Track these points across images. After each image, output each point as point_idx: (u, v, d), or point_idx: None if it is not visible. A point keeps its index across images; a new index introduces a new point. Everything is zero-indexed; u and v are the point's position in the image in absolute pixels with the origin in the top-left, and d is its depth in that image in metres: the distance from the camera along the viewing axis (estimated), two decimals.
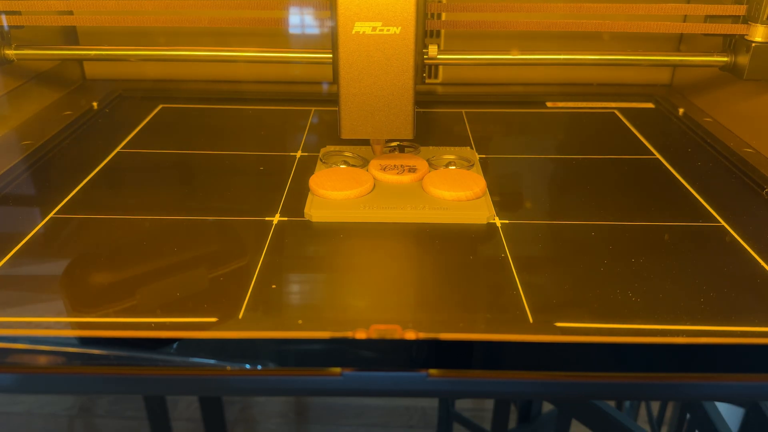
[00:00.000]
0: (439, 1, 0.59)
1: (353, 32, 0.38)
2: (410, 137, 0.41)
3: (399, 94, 0.39)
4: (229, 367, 0.28)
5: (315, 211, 0.39)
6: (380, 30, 0.38)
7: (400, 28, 0.38)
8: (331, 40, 0.40)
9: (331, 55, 0.55)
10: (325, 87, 0.65)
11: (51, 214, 0.39)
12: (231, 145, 0.50)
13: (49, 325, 0.29)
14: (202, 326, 0.29)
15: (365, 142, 0.48)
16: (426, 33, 0.39)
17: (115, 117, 0.57)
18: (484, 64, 0.51)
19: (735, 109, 0.54)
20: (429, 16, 0.58)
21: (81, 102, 0.58)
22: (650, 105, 0.61)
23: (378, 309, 0.31)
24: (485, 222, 0.38)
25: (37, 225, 0.37)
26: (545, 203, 0.42)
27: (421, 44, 0.39)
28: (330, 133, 0.53)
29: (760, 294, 0.32)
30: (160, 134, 0.53)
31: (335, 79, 0.40)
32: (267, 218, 0.39)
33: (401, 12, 0.38)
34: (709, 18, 0.50)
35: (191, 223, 0.38)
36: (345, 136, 0.41)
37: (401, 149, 0.48)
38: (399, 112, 0.40)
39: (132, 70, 0.66)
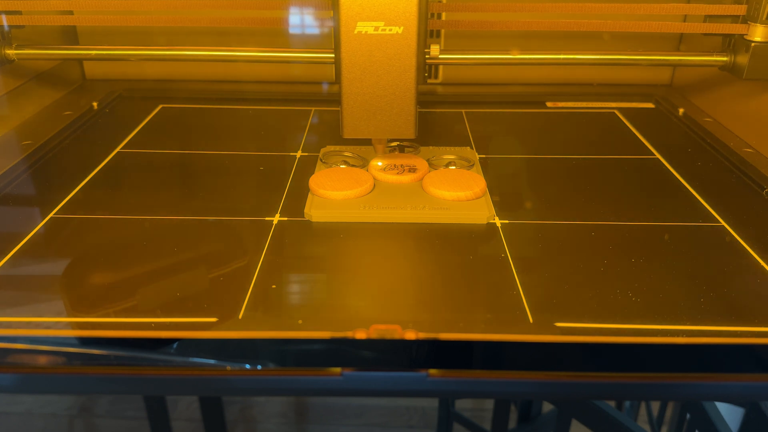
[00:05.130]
0: (440, 1, 0.59)
1: (355, 32, 0.38)
2: (412, 137, 0.41)
3: (401, 94, 0.39)
4: (229, 367, 0.28)
5: (315, 211, 0.39)
6: (382, 30, 0.38)
7: (402, 27, 0.38)
8: (332, 40, 0.40)
9: (332, 55, 0.56)
10: (325, 87, 0.65)
11: (51, 214, 0.39)
12: (231, 145, 0.50)
13: (49, 325, 0.29)
14: (202, 326, 0.29)
15: (366, 142, 0.48)
16: (426, 33, 0.39)
17: (115, 117, 0.56)
18: (485, 63, 0.51)
19: (735, 109, 0.54)
20: (429, 15, 0.58)
21: (81, 102, 0.58)
22: (650, 105, 0.61)
23: (378, 309, 0.31)
24: (485, 222, 0.38)
25: (37, 225, 0.37)
26: (545, 203, 0.42)
27: (423, 44, 0.39)
28: (330, 133, 0.53)
29: (760, 294, 0.32)
30: (160, 134, 0.53)
31: (337, 79, 0.40)
32: (267, 218, 0.39)
33: (403, 12, 0.38)
34: (709, 18, 0.50)
35: (191, 223, 0.38)
36: (347, 135, 0.41)
37: (401, 149, 0.48)
38: (401, 112, 0.40)
39: (132, 70, 0.66)
